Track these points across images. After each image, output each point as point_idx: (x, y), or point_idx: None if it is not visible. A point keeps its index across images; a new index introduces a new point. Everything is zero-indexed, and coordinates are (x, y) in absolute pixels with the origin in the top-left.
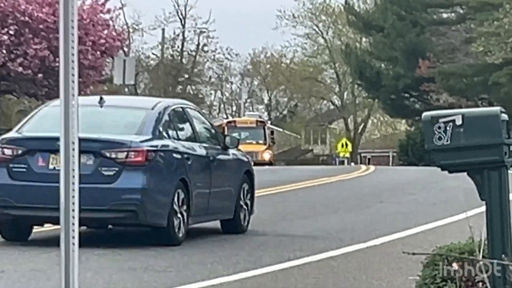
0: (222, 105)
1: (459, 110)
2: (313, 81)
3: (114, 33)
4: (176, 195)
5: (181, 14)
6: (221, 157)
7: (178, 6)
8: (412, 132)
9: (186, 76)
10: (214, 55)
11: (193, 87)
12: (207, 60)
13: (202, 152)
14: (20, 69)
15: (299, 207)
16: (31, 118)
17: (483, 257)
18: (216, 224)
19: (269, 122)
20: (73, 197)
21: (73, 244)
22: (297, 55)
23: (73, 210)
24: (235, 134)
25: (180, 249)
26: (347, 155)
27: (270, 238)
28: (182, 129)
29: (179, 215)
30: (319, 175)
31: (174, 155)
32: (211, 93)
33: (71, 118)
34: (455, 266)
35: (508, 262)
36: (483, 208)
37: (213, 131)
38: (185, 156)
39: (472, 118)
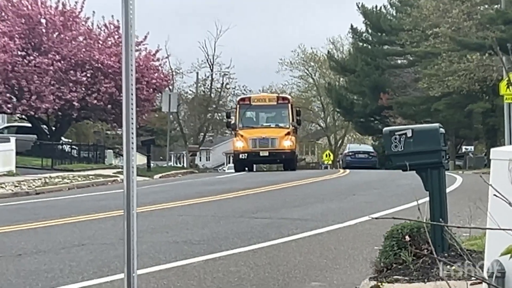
0: None
1: (409, 126)
2: (305, 109)
3: (162, 75)
4: None
5: (210, 61)
6: None
7: (208, 55)
8: (376, 146)
9: (214, 106)
10: (234, 91)
11: (219, 114)
12: (229, 95)
13: None
14: (95, 101)
15: (295, 198)
16: None
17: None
18: (236, 210)
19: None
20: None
21: (133, 228)
22: (293, 91)
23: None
24: (249, 115)
25: (209, 228)
26: (330, 162)
27: (275, 220)
28: None
29: None
30: (310, 176)
31: None
32: (232, 119)
33: (130, 133)
34: (407, 238)
35: (445, 224)
36: (426, 199)
37: None
38: None
39: (419, 132)
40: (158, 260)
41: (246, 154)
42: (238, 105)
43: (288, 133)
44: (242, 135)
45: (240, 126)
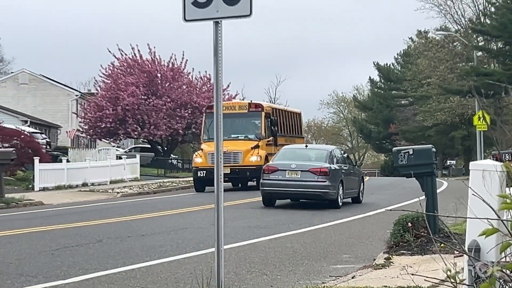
0: None
1: (411, 147)
2: (337, 135)
3: None
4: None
5: (272, 102)
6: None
7: (271, 98)
8: (387, 160)
9: None
10: None
11: None
12: None
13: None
14: (194, 130)
15: None
16: None
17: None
18: (292, 205)
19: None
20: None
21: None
22: (329, 122)
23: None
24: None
25: (273, 216)
26: None
27: (318, 212)
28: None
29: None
30: None
31: None
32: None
33: (219, 151)
34: (410, 224)
35: (437, 214)
36: (423, 197)
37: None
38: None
39: (417, 151)
40: (236, 239)
41: (204, 171)
42: (204, 114)
43: (256, 147)
44: (202, 150)
45: (205, 139)
